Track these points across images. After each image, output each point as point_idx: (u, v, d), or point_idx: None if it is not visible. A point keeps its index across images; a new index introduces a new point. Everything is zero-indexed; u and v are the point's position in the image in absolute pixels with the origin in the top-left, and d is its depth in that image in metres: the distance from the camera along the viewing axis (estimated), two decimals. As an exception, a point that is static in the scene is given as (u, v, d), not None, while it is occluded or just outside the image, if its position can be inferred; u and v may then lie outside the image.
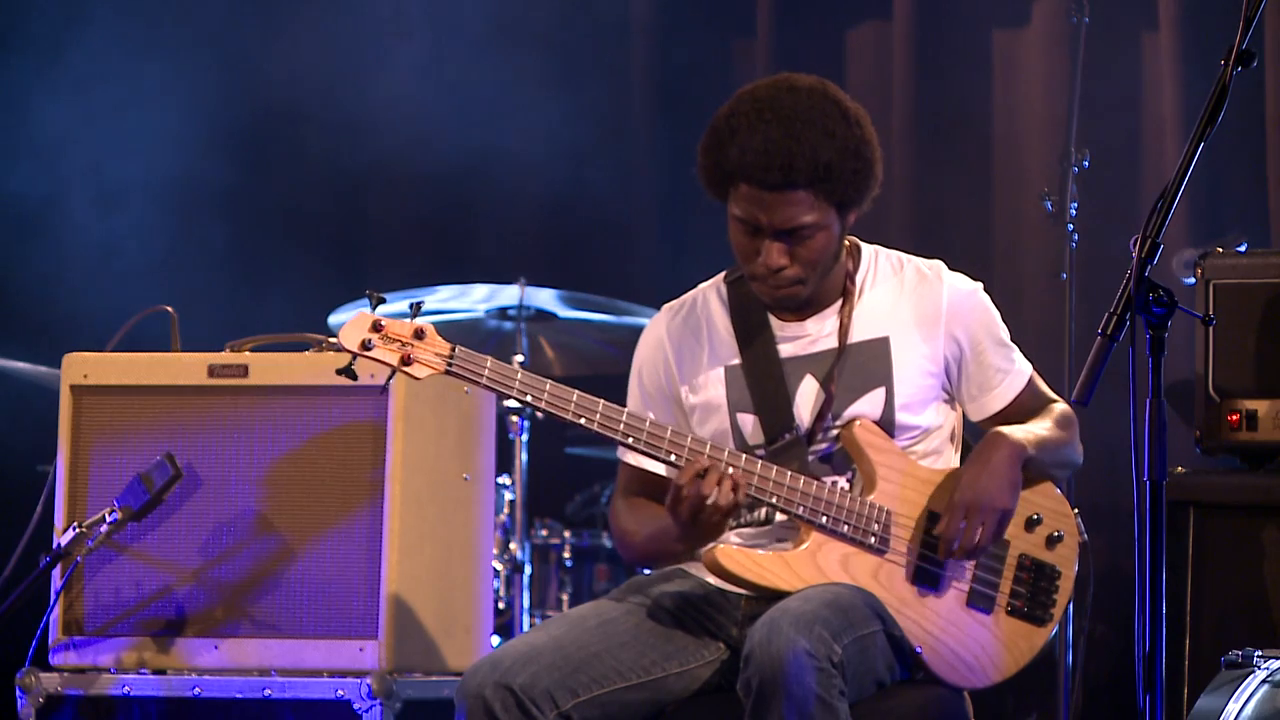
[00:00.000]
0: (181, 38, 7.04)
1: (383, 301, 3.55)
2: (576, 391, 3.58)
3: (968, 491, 3.64)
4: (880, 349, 3.74)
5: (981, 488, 3.63)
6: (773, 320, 3.78)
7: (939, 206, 6.53)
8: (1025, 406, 3.80)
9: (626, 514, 3.84)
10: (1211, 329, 4.49)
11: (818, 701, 3.36)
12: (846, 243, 3.78)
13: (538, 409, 3.59)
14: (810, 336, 3.76)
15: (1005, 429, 3.71)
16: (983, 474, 3.65)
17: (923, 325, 3.76)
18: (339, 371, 3.54)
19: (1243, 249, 4.70)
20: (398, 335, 3.53)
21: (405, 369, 3.53)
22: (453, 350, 3.55)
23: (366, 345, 3.52)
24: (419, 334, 3.54)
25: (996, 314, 3.82)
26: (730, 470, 3.55)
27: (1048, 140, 6.24)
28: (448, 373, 3.54)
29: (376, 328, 3.53)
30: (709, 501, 3.51)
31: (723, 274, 3.88)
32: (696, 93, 6.86)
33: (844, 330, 3.74)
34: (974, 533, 3.63)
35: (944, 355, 3.77)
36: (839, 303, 3.76)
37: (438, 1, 6.95)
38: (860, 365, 3.73)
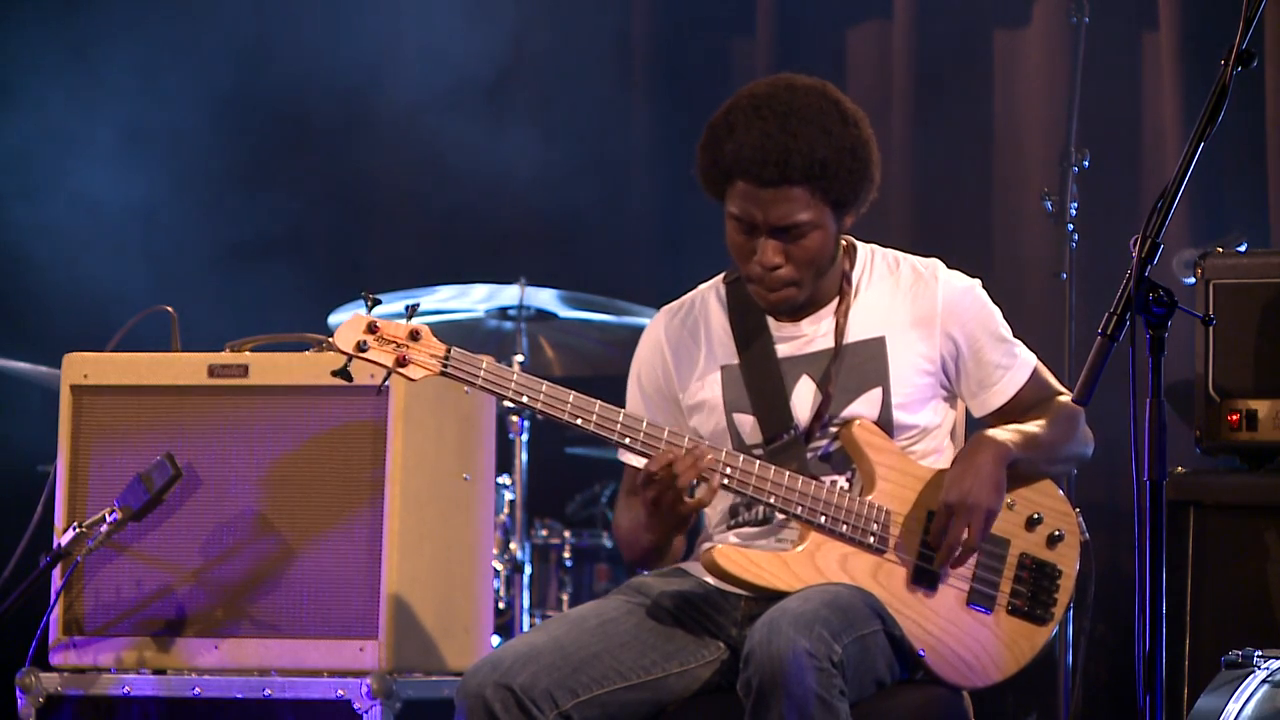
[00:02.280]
0: (186, 38, 7.04)
1: (378, 303, 3.56)
2: (573, 393, 3.57)
3: (952, 493, 3.65)
4: (876, 349, 3.74)
5: (965, 489, 3.64)
6: (770, 321, 3.78)
7: (939, 206, 6.53)
8: (1028, 400, 3.80)
9: (622, 511, 3.85)
10: (1211, 329, 4.49)
11: (818, 701, 3.36)
12: (843, 242, 3.78)
13: (534, 410, 3.59)
14: (806, 337, 3.76)
15: (991, 430, 3.72)
16: (966, 475, 3.65)
17: (919, 324, 3.76)
18: (334, 373, 3.55)
19: (1243, 249, 4.70)
20: (393, 336, 3.54)
21: (400, 370, 3.53)
22: (448, 351, 3.55)
23: (361, 347, 3.53)
24: (414, 335, 3.54)
25: (994, 309, 3.81)
26: (706, 460, 3.54)
27: (1048, 140, 6.24)
28: (443, 374, 3.54)
29: (371, 329, 3.53)
30: (676, 481, 3.51)
31: (722, 275, 3.88)
32: (696, 93, 6.86)
33: (840, 330, 3.74)
34: (959, 534, 3.63)
35: (940, 354, 3.77)
36: (835, 303, 3.77)
37: (440, 2, 6.95)
38: (856, 365, 3.73)
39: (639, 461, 3.66)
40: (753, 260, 3.66)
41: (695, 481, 3.56)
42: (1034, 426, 3.75)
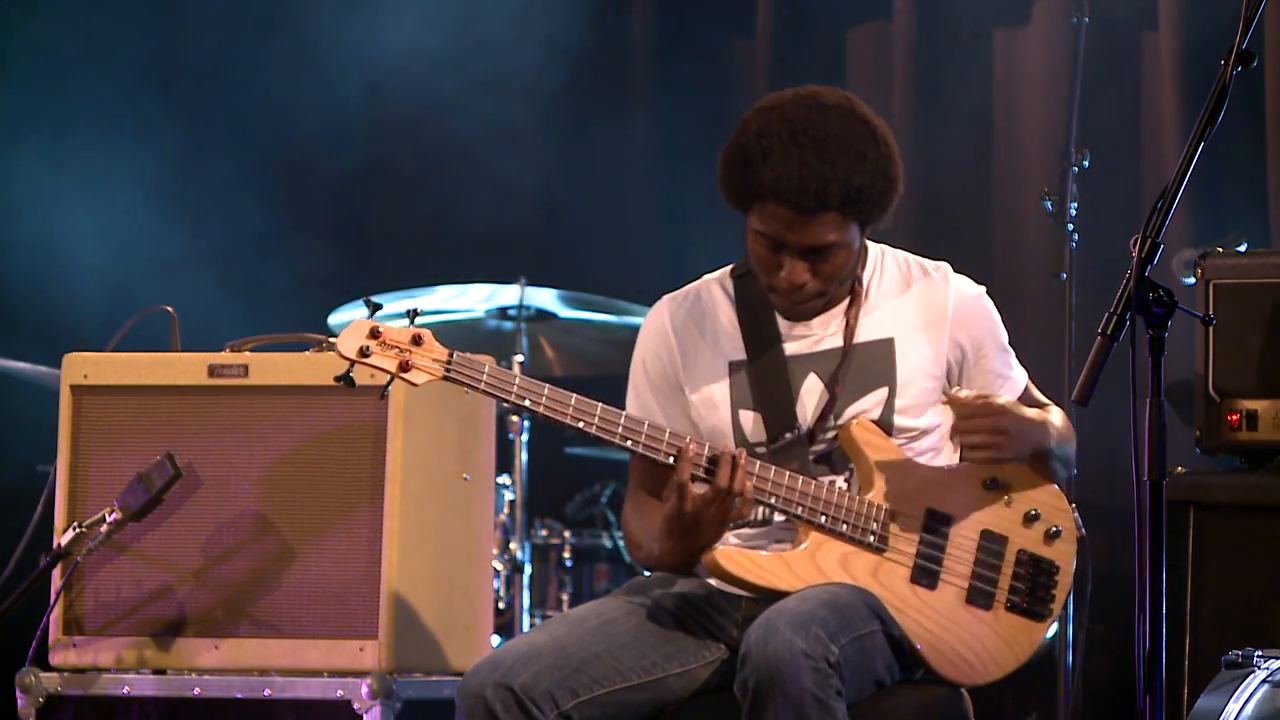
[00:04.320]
0: (182, 38, 7.04)
1: (379, 308, 3.55)
2: (574, 395, 3.57)
3: (1007, 416, 3.64)
4: (884, 350, 3.74)
5: (1021, 422, 3.65)
6: (778, 318, 3.78)
7: (939, 206, 6.53)
8: (1025, 411, 3.81)
9: (634, 520, 3.82)
10: (1211, 329, 4.49)
11: (814, 701, 3.36)
12: (856, 244, 3.78)
13: (536, 414, 3.58)
14: (815, 336, 3.76)
15: (1035, 412, 3.73)
16: (1023, 423, 3.66)
17: (928, 328, 3.76)
18: (337, 379, 3.54)
19: (1243, 249, 4.70)
20: (395, 341, 3.53)
21: (403, 375, 3.53)
22: (450, 356, 3.54)
23: (364, 352, 3.52)
24: (416, 340, 3.53)
25: (999, 318, 3.83)
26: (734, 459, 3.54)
27: (1048, 140, 6.24)
28: (446, 378, 3.54)
29: (374, 334, 3.53)
30: (723, 490, 3.51)
31: (728, 268, 3.87)
32: (697, 92, 6.87)
33: (850, 331, 3.74)
34: (982, 426, 3.64)
35: (947, 358, 3.77)
36: (845, 303, 3.77)
37: (439, 1, 6.95)
38: (864, 366, 3.73)
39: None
40: (779, 275, 3.66)
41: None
42: (1059, 425, 3.78)
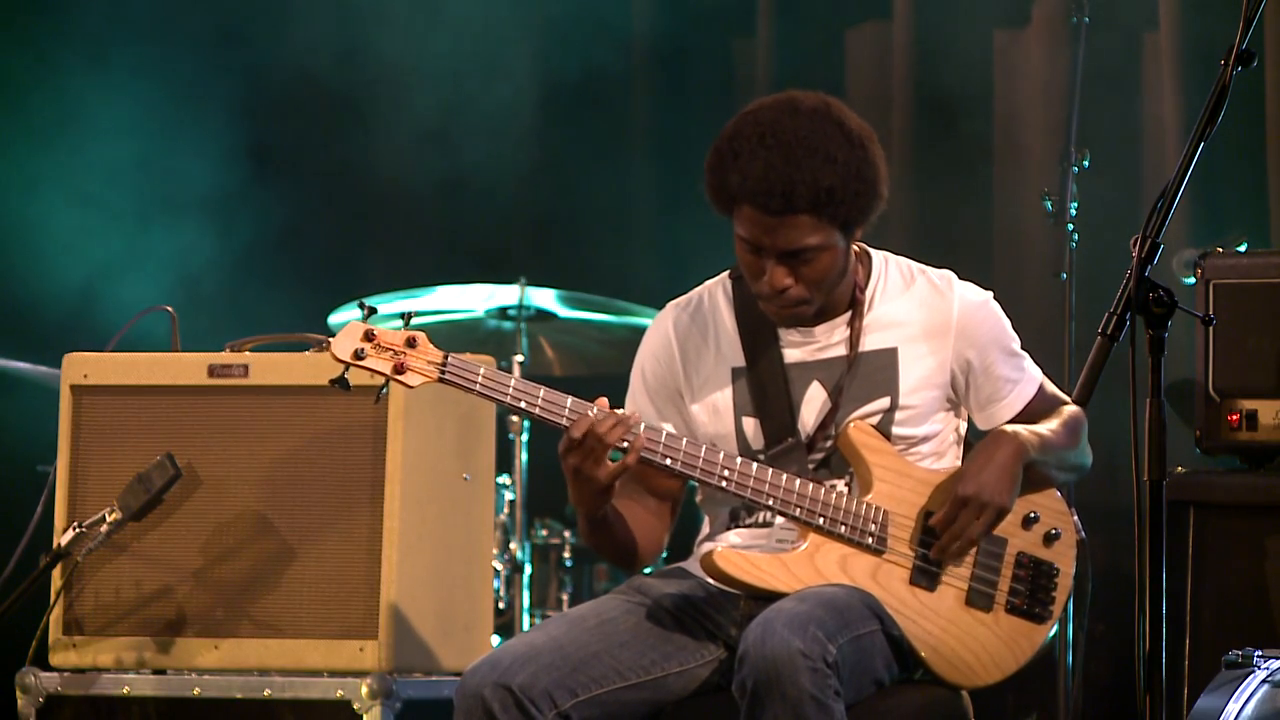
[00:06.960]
0: (184, 38, 7.04)
1: (373, 312, 3.54)
2: (570, 397, 3.56)
3: (969, 485, 3.63)
4: (887, 360, 3.73)
5: (982, 482, 3.63)
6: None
7: (939, 206, 6.53)
8: (1035, 413, 3.79)
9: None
10: (1211, 329, 4.49)
11: (812, 702, 3.36)
12: (856, 249, 3.76)
13: (532, 416, 3.57)
14: (819, 343, 3.75)
15: (1011, 426, 3.71)
16: (985, 469, 3.64)
17: (931, 338, 3.75)
18: (332, 382, 3.54)
19: (1243, 249, 4.70)
20: (390, 344, 3.52)
21: (398, 378, 3.52)
22: (445, 358, 3.54)
23: (359, 355, 3.52)
24: (411, 342, 3.53)
25: (1007, 323, 3.80)
26: (631, 420, 3.53)
27: (1048, 140, 6.24)
28: (441, 380, 3.54)
29: (368, 337, 3.52)
30: (603, 442, 3.50)
31: (727, 272, 3.87)
32: (697, 92, 6.87)
33: (855, 339, 3.73)
34: (966, 526, 3.63)
35: (951, 368, 3.76)
36: (849, 313, 3.75)
37: (439, 3, 6.95)
38: (867, 375, 3.72)
39: None
40: (762, 280, 3.65)
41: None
42: (1048, 430, 3.74)
